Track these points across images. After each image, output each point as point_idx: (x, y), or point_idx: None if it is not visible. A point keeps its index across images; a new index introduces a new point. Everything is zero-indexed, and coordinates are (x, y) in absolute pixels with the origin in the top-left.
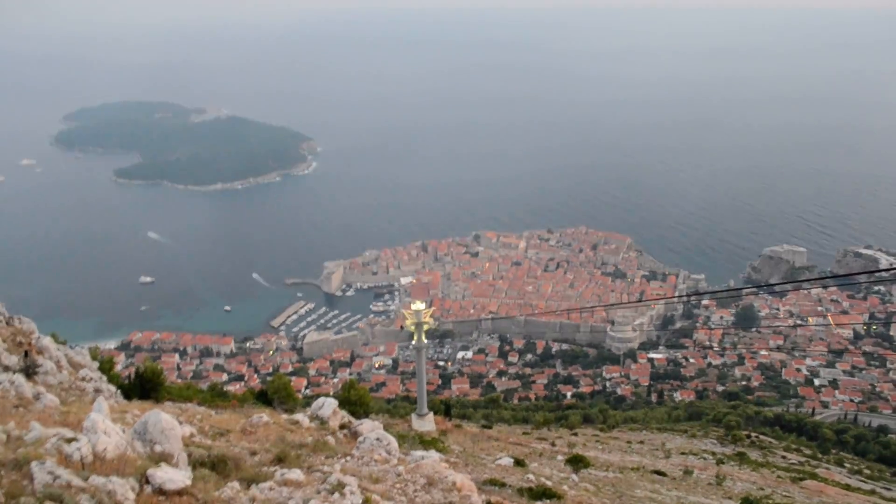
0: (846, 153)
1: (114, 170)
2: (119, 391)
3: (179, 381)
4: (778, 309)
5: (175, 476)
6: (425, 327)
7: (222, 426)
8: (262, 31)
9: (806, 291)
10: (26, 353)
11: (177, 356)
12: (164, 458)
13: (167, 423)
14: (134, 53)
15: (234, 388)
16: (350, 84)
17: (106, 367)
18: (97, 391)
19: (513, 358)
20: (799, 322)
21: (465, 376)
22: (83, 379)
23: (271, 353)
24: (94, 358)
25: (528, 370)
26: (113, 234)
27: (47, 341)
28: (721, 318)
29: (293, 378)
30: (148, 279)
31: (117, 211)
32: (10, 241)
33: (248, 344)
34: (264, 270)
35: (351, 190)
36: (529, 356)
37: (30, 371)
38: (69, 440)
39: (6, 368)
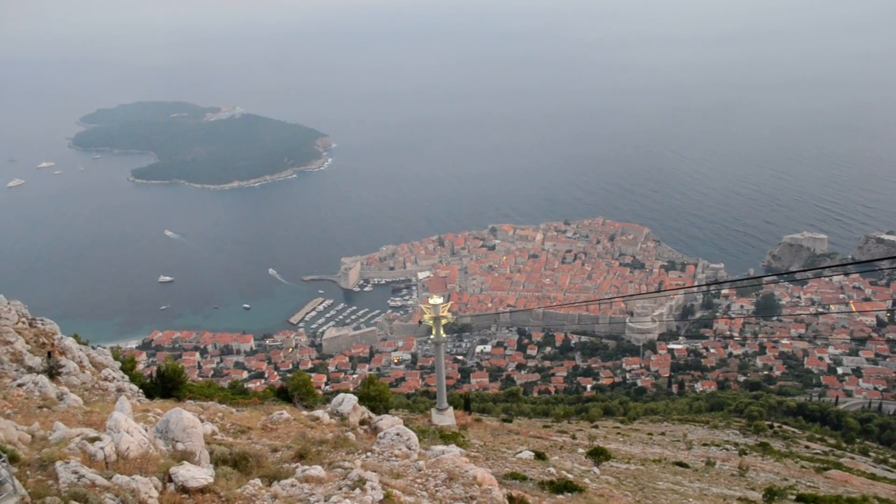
0: (865, 137)
1: (131, 170)
2: (141, 390)
3: (200, 379)
4: (799, 297)
5: (197, 474)
6: (443, 321)
7: (243, 423)
8: (274, 29)
9: (827, 279)
10: (49, 354)
11: (197, 354)
12: (186, 456)
13: (189, 421)
14: (149, 54)
15: (255, 385)
16: (363, 79)
17: (128, 366)
18: (119, 391)
19: (532, 351)
20: (821, 310)
21: (484, 370)
22: (106, 379)
23: (291, 349)
24: (115, 358)
25: (547, 363)
26: (131, 235)
27: (70, 342)
28: (741, 307)
29: (313, 374)
30: (167, 278)
31: (135, 211)
32: (31, 244)
33: (267, 341)
34: (282, 268)
35: (366, 185)
36: (548, 349)
37: (53, 372)
38: (93, 440)
39: (30, 369)
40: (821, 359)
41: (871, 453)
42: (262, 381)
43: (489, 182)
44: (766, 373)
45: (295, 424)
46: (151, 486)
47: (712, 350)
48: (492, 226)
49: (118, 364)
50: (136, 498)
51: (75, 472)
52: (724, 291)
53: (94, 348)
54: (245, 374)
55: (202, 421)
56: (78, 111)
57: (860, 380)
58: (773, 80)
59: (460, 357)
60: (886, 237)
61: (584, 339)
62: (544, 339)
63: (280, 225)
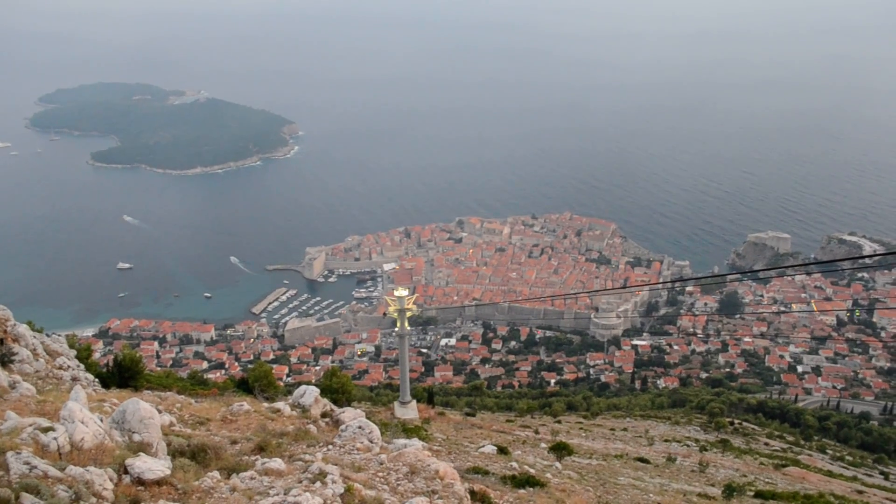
0: (831, 140)
1: (91, 153)
2: (97, 379)
3: (159, 369)
4: (762, 295)
5: (154, 465)
6: (408, 314)
7: (202, 415)
8: (242, 9)
9: (790, 278)
10: (1, 342)
11: (156, 344)
12: (142, 447)
13: (146, 411)
14: (113, 30)
15: (215, 376)
16: (332, 65)
17: (83, 354)
18: (74, 379)
19: (496, 345)
20: (783, 309)
21: (448, 364)
22: (60, 367)
23: (252, 340)
24: (71, 346)
25: (511, 357)
26: (90, 220)
27: (23, 329)
28: (705, 304)
29: (274, 366)
30: (126, 265)
31: (95, 196)
32: None
33: (228, 331)
34: (245, 257)
35: (333, 174)
36: (513, 343)
37: (5, 359)
38: (46, 430)
39: None
40: (781, 357)
41: (828, 451)
42: (223, 371)
43: (457, 174)
44: (727, 370)
45: (255, 416)
46: (106, 478)
47: (675, 347)
48: (459, 218)
49: (73, 352)
50: (90, 490)
51: (27, 463)
52: (688, 289)
53: (48, 336)
54: (205, 365)
55: (160, 412)
56: (36, 90)
57: (819, 378)
58: (744, 80)
59: (424, 350)
60: (848, 238)
61: (548, 333)
62: (509, 333)
63: (244, 213)
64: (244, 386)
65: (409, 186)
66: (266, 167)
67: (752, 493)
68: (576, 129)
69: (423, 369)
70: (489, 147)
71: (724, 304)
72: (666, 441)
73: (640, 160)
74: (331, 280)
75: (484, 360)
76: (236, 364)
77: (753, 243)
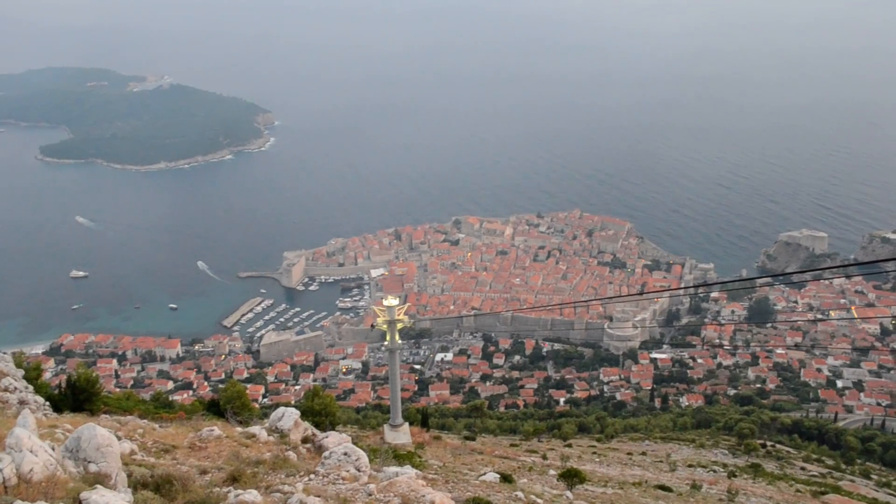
0: (866, 132)
1: (39, 147)
2: (48, 403)
3: (118, 390)
4: (796, 301)
5: (112, 499)
6: (399, 326)
7: (167, 441)
8: None
9: (827, 281)
10: None
11: (115, 361)
12: (99, 479)
13: (103, 438)
14: (64, 14)
15: (182, 397)
16: (315, 54)
17: (32, 374)
18: (22, 403)
19: (498, 360)
20: (819, 316)
21: (444, 381)
22: (6, 389)
23: (223, 356)
24: (18, 365)
25: (515, 373)
26: (40, 222)
27: None
28: (732, 312)
29: (249, 385)
30: (80, 273)
31: (45, 195)
32: None
33: (196, 347)
34: (215, 262)
35: (314, 170)
36: (517, 358)
37: None
38: None
39: None
40: (819, 370)
41: (873, 476)
42: (190, 392)
43: (454, 170)
44: (758, 385)
45: (227, 442)
46: None
47: (700, 360)
48: (455, 218)
49: (21, 372)
50: None
51: None
52: (713, 295)
53: None
54: (170, 385)
55: (119, 438)
56: None
57: (862, 394)
58: (770, 72)
59: (418, 366)
60: (892, 236)
61: (557, 346)
62: (513, 346)
63: (213, 213)
64: (215, 408)
65: (399, 184)
66: (238, 161)
67: None
68: (587, 123)
69: (416, 388)
70: (487, 139)
71: (754, 312)
72: (690, 466)
73: (659, 153)
74: (312, 288)
75: (484, 377)
76: (206, 384)
77: (786, 243)
